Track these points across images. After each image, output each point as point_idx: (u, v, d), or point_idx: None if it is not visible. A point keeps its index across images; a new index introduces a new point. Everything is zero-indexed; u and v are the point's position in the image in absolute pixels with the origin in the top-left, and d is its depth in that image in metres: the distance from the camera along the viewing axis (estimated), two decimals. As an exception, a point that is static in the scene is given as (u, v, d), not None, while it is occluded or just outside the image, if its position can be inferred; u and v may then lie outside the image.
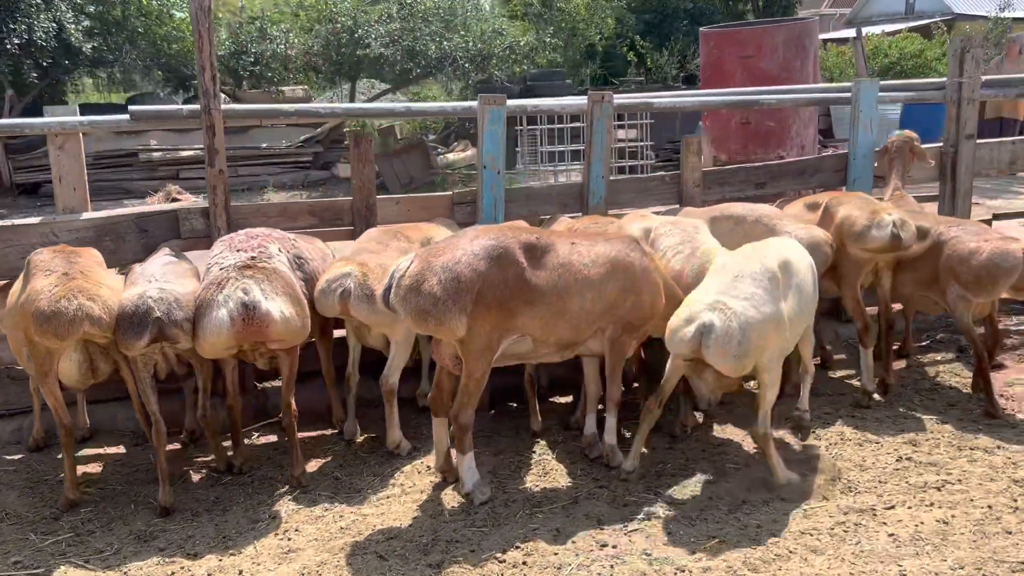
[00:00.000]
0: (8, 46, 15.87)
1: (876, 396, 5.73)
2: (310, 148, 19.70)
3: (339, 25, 17.61)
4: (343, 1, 18.39)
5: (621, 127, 13.37)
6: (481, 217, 6.22)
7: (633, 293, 4.56)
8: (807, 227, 5.75)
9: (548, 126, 14.31)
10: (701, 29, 9.47)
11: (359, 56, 17.03)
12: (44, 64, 16.41)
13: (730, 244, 5.26)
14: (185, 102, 21.55)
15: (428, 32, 17.70)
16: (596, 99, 6.26)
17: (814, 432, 5.25)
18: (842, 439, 5.17)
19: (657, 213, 6.23)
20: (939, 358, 6.52)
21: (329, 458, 5.14)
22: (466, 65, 18.19)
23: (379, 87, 22.65)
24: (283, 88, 20.79)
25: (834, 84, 7.36)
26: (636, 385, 5.65)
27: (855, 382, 6.01)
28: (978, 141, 7.33)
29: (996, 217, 7.99)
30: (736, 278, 4.39)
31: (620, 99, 6.65)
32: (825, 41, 27.79)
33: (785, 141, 9.21)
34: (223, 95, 21.32)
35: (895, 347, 6.31)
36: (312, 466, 5.00)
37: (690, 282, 4.99)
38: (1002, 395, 5.83)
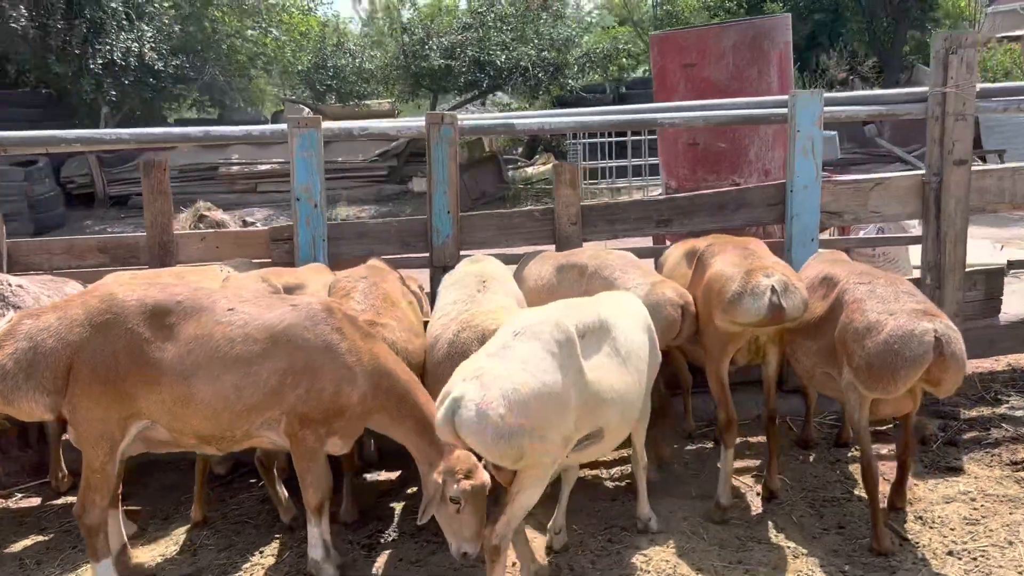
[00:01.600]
0: (92, 66, 16.55)
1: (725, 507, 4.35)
2: (385, 162, 19.45)
3: (408, 38, 17.17)
4: (413, 13, 17.95)
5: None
6: (299, 257, 5.35)
7: (306, 377, 3.54)
8: (653, 282, 4.48)
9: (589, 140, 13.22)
10: (651, 34, 8.01)
11: (423, 68, 16.49)
12: (126, 82, 17.01)
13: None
14: (272, 118, 21.99)
15: (497, 42, 16.90)
16: (434, 121, 5.23)
17: (639, 554, 4.00)
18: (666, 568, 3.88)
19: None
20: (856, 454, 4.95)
21: None
22: (539, 74, 17.24)
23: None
24: (368, 102, 20.70)
25: (771, 99, 5.85)
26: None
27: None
28: (981, 168, 5.65)
29: (1012, 265, 6.17)
30: (515, 336, 3.30)
31: (472, 120, 5.55)
32: (1001, 39, 24.61)
33: (741, 166, 7.61)
34: (306, 108, 21.41)
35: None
36: None
37: (445, 353, 3.94)
38: (921, 517, 4.30)
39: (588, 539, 4.19)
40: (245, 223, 14.71)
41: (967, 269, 5.68)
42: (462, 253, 5.45)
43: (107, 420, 3.42)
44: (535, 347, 3.29)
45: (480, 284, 4.32)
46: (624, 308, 3.92)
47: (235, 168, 19.08)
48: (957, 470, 4.80)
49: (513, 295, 4.44)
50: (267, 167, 18.89)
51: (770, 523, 4.34)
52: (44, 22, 16.16)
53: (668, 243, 7.20)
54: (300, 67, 18.84)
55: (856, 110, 5.71)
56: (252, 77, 20.00)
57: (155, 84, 17.85)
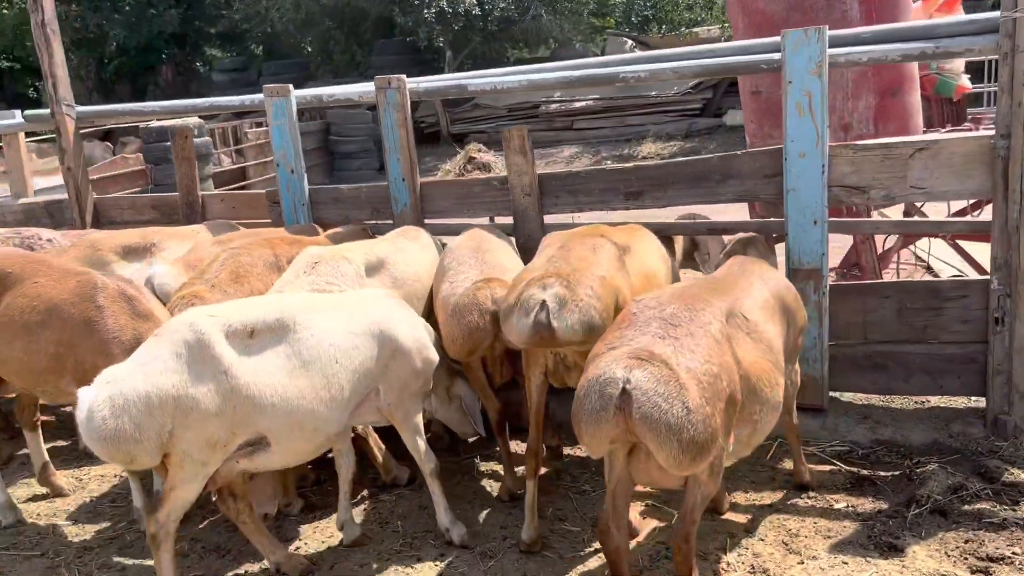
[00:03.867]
0: (427, 15, 18.25)
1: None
2: (699, 94, 18.44)
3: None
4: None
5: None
6: (284, 220, 5.66)
7: (71, 349, 3.86)
8: (476, 282, 3.98)
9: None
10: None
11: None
12: (455, 28, 18.44)
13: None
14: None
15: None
16: (382, 85, 5.08)
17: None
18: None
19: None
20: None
21: None
22: None
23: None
24: (696, 29, 19.67)
25: (762, 41, 4.43)
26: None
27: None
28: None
29: None
30: (153, 335, 3.40)
31: (422, 83, 5.16)
32: None
33: None
34: (629, 41, 21.11)
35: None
36: None
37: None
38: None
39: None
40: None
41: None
42: (427, 222, 5.28)
43: None
44: (161, 348, 3.23)
45: (310, 266, 4.21)
46: (343, 309, 3.59)
47: (553, 106, 19.65)
48: (894, 549, 3.52)
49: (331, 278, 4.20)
50: (582, 104, 19.17)
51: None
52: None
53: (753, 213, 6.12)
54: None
55: (884, 50, 4.19)
56: (573, 12, 20.18)
57: (483, 28, 19.02)
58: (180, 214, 6.05)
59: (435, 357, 3.84)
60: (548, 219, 5.03)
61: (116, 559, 3.98)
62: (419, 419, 3.84)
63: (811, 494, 4.05)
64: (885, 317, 4.48)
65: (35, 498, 4.65)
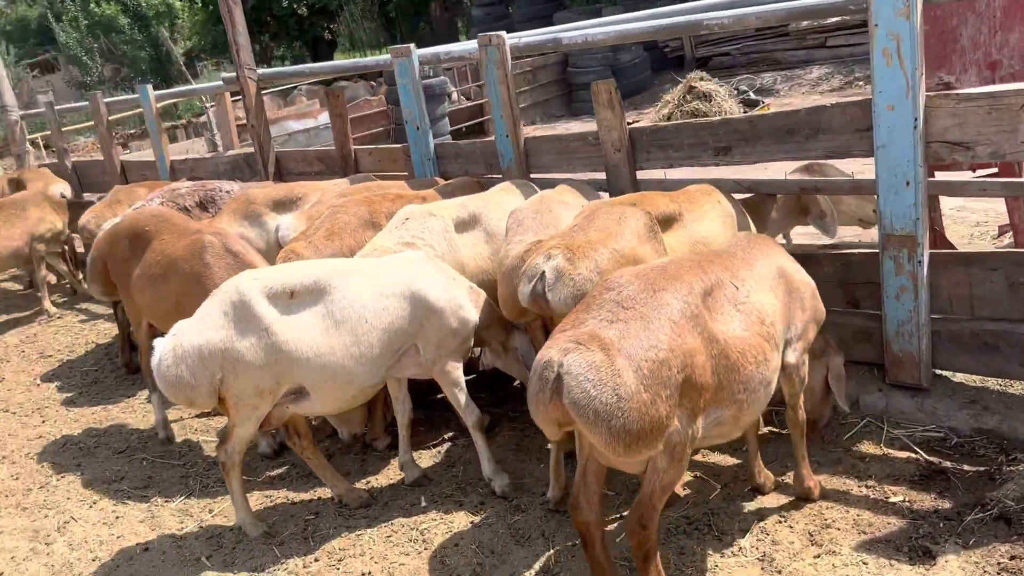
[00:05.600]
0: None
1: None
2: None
3: None
4: None
5: None
6: (414, 175, 6.05)
7: (187, 298, 4.49)
8: (528, 247, 4.04)
9: None
10: None
11: None
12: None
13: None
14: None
15: None
16: (484, 43, 5.19)
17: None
18: None
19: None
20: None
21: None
22: None
23: None
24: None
25: None
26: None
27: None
28: None
29: None
30: (212, 293, 4.01)
31: (522, 38, 5.08)
32: None
33: (948, 56, 4.63)
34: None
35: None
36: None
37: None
38: None
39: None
40: (739, 91, 14.47)
41: None
42: (532, 176, 5.39)
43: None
44: (213, 306, 3.72)
45: (400, 222, 4.51)
46: (377, 272, 3.84)
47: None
48: (927, 555, 3.20)
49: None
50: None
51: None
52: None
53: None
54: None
55: (991, -20, 3.53)
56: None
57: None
58: (337, 167, 6.65)
59: (472, 317, 4.02)
60: (641, 175, 4.92)
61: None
62: (459, 373, 4.06)
63: (862, 483, 3.73)
64: (995, 291, 3.90)
65: (179, 418, 5.55)
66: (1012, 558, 3.11)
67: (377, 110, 15.32)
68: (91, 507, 4.58)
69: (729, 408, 3.03)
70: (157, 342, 3.77)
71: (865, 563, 3.24)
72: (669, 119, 13.85)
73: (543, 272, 3.43)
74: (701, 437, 3.06)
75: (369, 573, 3.66)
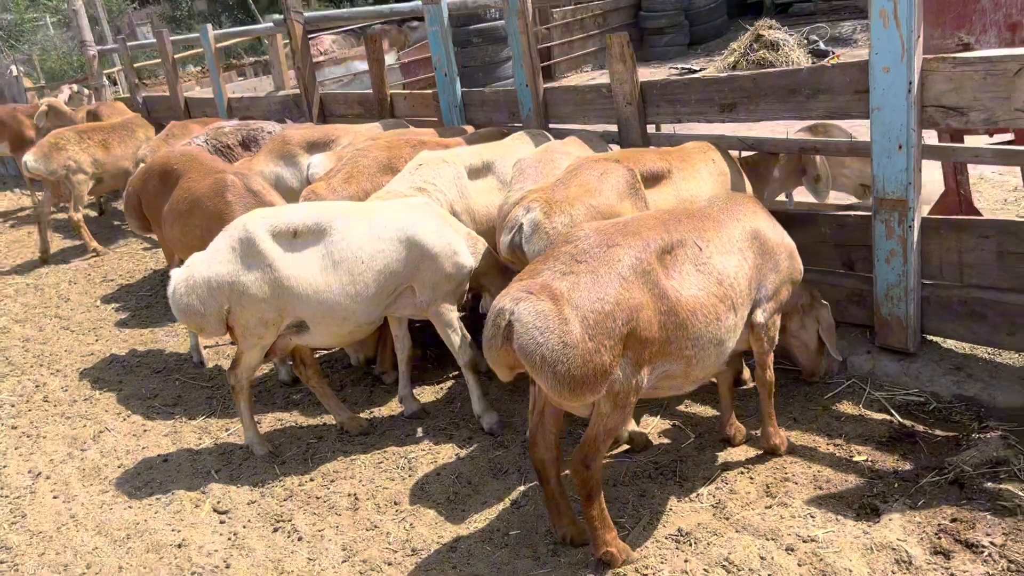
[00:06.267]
0: None
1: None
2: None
3: None
4: None
5: None
6: (443, 121, 6.21)
7: (210, 234, 4.76)
8: (525, 193, 4.19)
9: None
10: None
11: None
12: None
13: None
14: None
15: None
16: (506, -9, 5.28)
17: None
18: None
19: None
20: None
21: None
22: None
23: None
24: None
25: None
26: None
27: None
28: None
29: None
30: (223, 230, 4.30)
31: None
32: None
33: (969, 15, 4.36)
34: None
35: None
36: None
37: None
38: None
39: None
40: (808, 41, 14.00)
41: None
42: (552, 126, 5.49)
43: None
44: (223, 242, 4.01)
45: (414, 168, 4.71)
46: (377, 216, 4.05)
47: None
48: (873, 513, 3.31)
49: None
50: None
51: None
52: None
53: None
54: None
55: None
56: None
57: None
58: (374, 110, 6.86)
59: (466, 263, 4.22)
60: (652, 129, 4.97)
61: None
62: (453, 315, 4.27)
63: (831, 442, 3.82)
64: (984, 259, 3.88)
65: (214, 344, 5.94)
66: (953, 520, 3.19)
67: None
68: (124, 420, 5.02)
69: (678, 362, 3.16)
70: (173, 272, 4.10)
71: (812, 516, 3.36)
72: (735, 68, 13.56)
73: (521, 224, 3.59)
74: (651, 387, 3.21)
75: (355, 494, 3.96)
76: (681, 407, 4.33)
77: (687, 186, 4.01)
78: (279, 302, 3.97)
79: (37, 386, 5.72)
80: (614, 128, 5.11)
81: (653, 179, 3.91)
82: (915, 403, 4.01)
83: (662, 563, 3.23)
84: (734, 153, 4.58)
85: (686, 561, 3.22)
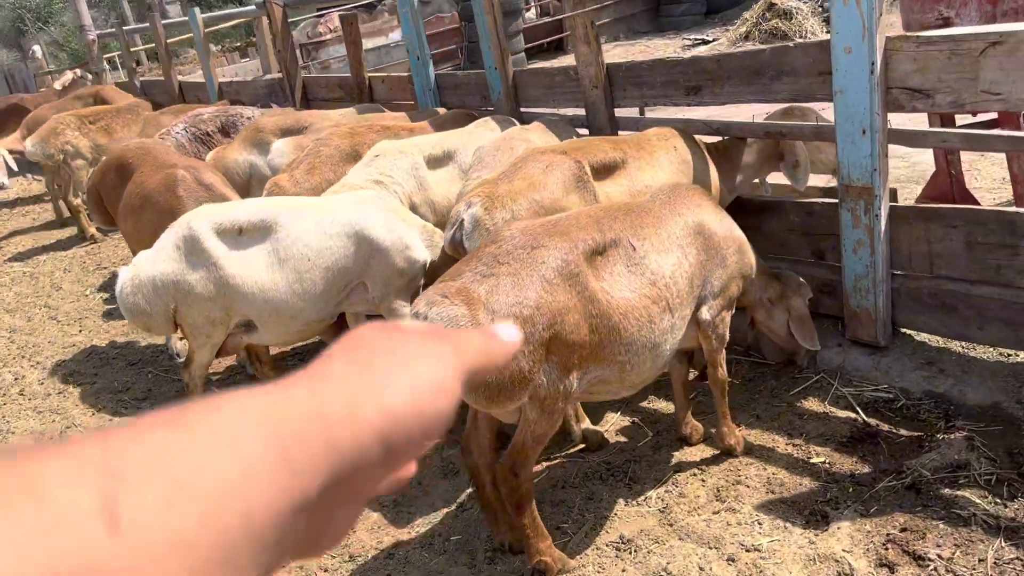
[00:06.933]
0: None
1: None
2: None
3: None
4: None
5: None
6: (418, 105, 6.08)
7: (163, 228, 4.74)
8: (476, 185, 4.06)
9: None
10: None
11: None
12: None
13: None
14: None
15: None
16: (472, -28, 5.10)
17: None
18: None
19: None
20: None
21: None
22: None
23: None
24: None
25: None
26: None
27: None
28: None
29: None
30: (166, 231, 4.24)
31: None
32: None
33: None
34: None
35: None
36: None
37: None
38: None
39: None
40: (823, 8, 13.57)
41: None
42: (522, 110, 5.34)
43: None
44: (167, 240, 3.94)
45: (370, 159, 4.59)
46: (325, 212, 3.94)
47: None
48: (822, 520, 3.17)
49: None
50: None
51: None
52: None
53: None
54: None
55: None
56: None
57: None
58: (354, 94, 6.74)
59: (419, 257, 4.10)
60: (620, 112, 4.80)
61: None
62: (406, 311, 4.17)
63: (791, 441, 3.68)
64: (953, 250, 3.68)
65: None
66: (903, 530, 3.04)
67: (451, 27, 15.21)
68: (92, 415, 5.01)
69: (611, 368, 3.03)
70: (120, 271, 4.04)
71: (760, 523, 3.23)
72: (747, 38, 13.20)
73: (462, 220, 3.46)
74: (585, 392, 3.09)
75: (304, 495, 3.89)
76: (644, 403, 4.20)
77: (644, 176, 3.85)
78: (225, 301, 3.90)
79: (16, 379, 5.74)
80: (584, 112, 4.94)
81: (605, 170, 3.76)
82: (883, 400, 3.84)
83: (599, 572, 3.13)
84: (707, 139, 4.40)
85: (623, 571, 3.11)
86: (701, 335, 3.39)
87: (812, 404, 3.93)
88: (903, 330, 4.06)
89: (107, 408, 5.06)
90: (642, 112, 4.96)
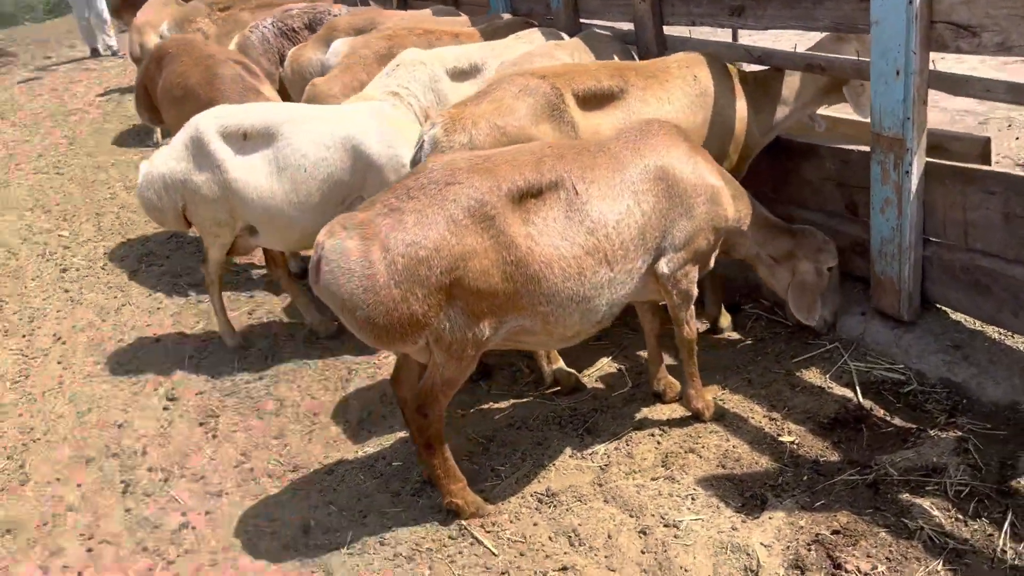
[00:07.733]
0: None
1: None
2: None
3: None
4: None
5: None
6: (489, 8, 5.83)
7: None
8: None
9: None
10: None
11: None
12: None
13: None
14: None
15: None
16: None
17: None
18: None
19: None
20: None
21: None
22: None
23: None
24: None
25: None
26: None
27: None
28: None
29: None
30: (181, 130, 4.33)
31: None
32: None
33: None
34: None
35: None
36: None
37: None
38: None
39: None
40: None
41: None
42: (582, 21, 5.01)
43: None
44: (180, 138, 4.03)
45: (391, 68, 4.47)
46: (324, 122, 3.88)
47: None
48: (759, 506, 2.90)
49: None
50: None
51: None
52: None
53: None
54: None
55: None
56: None
57: None
58: None
59: (415, 175, 3.98)
60: (668, 31, 4.37)
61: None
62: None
63: (769, 414, 3.35)
64: (989, 220, 3.13)
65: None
66: (837, 532, 2.72)
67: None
68: (147, 296, 5.34)
69: (532, 318, 2.85)
70: (142, 164, 4.21)
71: (693, 497, 3.00)
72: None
73: (423, 141, 3.31)
74: (509, 341, 2.94)
75: (284, 400, 4.01)
76: (642, 351, 3.95)
77: (646, 109, 3.50)
78: (229, 204, 3.98)
79: (105, 253, 6.20)
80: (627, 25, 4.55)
81: (595, 100, 3.44)
82: (891, 381, 3.42)
83: (512, 522, 3.03)
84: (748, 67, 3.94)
85: (535, 524, 3.00)
86: (662, 289, 3.10)
87: (812, 375, 3.55)
88: (937, 305, 3.54)
89: (163, 290, 5.37)
90: (656, 27, 4.45)
